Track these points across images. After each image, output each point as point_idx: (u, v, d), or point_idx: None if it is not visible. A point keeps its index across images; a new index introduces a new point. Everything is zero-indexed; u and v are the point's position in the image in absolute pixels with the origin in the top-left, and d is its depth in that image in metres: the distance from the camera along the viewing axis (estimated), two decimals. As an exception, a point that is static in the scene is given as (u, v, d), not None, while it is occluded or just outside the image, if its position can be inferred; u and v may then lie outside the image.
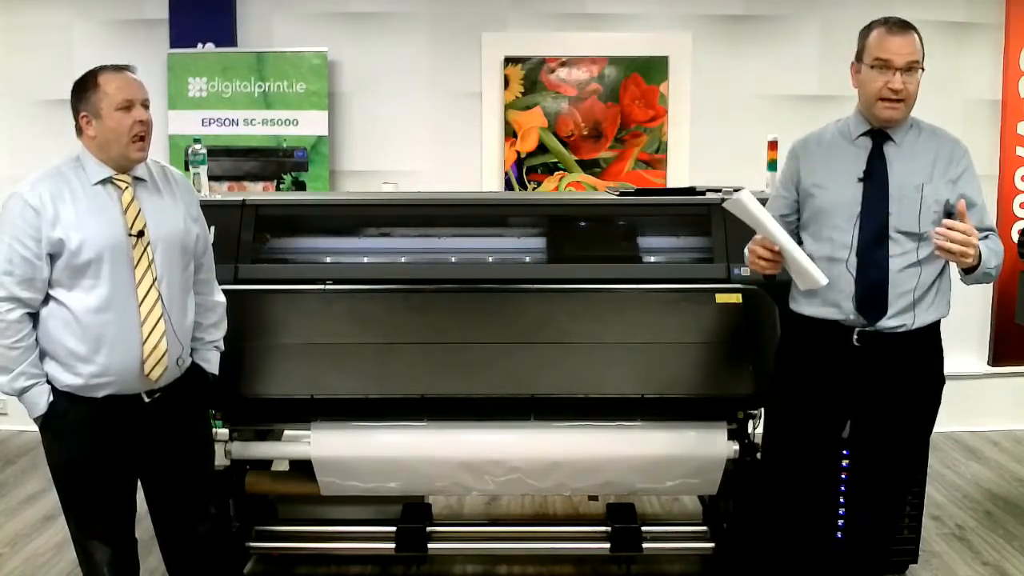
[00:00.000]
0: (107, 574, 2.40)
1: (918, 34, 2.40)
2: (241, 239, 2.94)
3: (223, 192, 4.55)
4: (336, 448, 2.95)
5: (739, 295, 2.86)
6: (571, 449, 2.96)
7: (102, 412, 2.30)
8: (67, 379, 2.28)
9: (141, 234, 2.30)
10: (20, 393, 2.29)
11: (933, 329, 2.49)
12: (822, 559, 2.65)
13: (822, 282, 2.34)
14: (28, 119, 4.88)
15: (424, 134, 4.95)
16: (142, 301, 2.30)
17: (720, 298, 2.85)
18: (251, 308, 2.84)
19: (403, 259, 3.04)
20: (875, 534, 2.58)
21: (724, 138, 4.81)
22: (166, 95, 4.76)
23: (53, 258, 2.24)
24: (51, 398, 2.29)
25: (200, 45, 4.81)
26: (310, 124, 4.81)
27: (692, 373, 2.86)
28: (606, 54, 4.85)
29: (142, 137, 2.31)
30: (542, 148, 4.90)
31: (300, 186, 4.83)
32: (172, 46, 4.82)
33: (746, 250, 2.58)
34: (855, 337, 2.44)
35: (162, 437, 2.42)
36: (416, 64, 4.91)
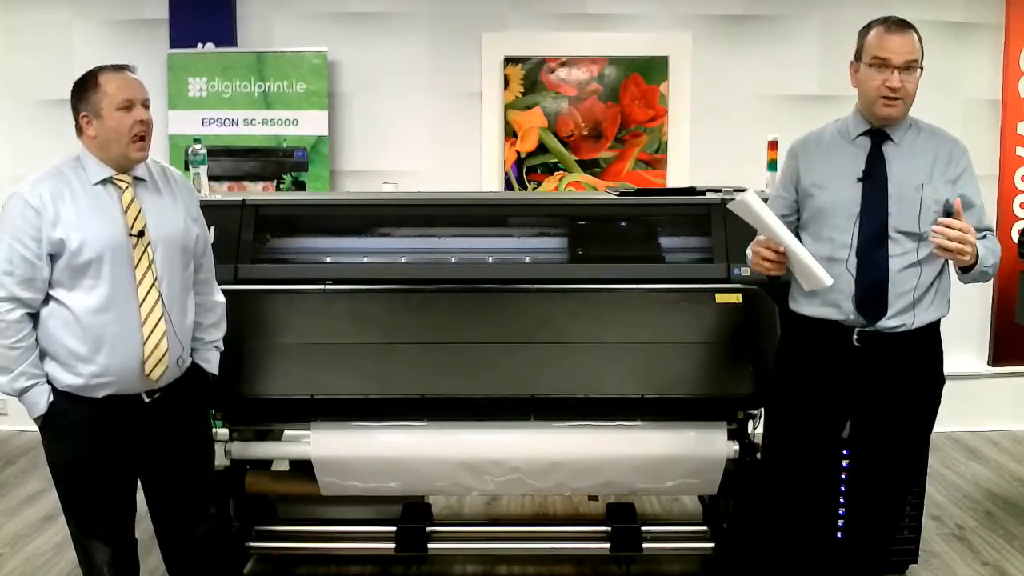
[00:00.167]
0: (107, 574, 2.40)
1: (917, 33, 2.41)
2: (241, 239, 2.94)
3: (223, 192, 4.55)
4: (336, 448, 2.95)
5: (739, 295, 2.86)
6: (571, 449, 2.96)
7: (102, 412, 2.30)
8: (67, 379, 2.28)
9: (141, 234, 2.30)
10: (20, 393, 2.29)
11: (933, 329, 2.49)
12: (822, 559, 2.65)
13: (827, 283, 2.33)
14: (28, 119, 4.88)
15: (424, 134, 4.95)
16: (142, 301, 2.30)
17: (720, 298, 2.85)
18: (251, 308, 2.84)
19: (403, 259, 3.04)
20: (875, 534, 2.58)
21: (724, 138, 4.81)
22: (166, 95, 4.76)
23: (53, 258, 2.24)
24: (51, 398, 2.28)
25: (200, 45, 4.81)
26: (310, 124, 4.81)
27: (692, 373, 2.86)
28: (606, 54, 4.85)
29: (142, 137, 2.31)
30: (542, 148, 4.90)
31: (300, 186, 4.83)
32: (172, 46, 4.82)
33: (749, 251, 2.58)
34: (855, 337, 2.44)
35: (162, 437, 2.42)
36: (416, 64, 4.91)
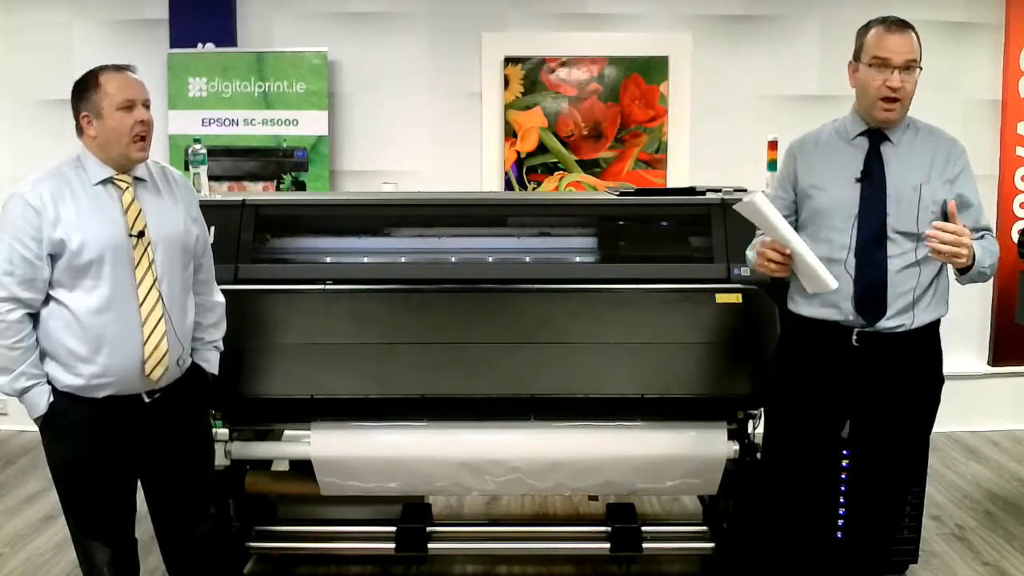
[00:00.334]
0: (107, 574, 2.40)
1: (916, 34, 2.41)
2: (241, 239, 2.94)
3: (223, 192, 4.55)
4: (336, 448, 2.96)
5: (739, 295, 2.86)
6: (571, 449, 2.96)
7: (102, 412, 2.30)
8: (68, 379, 2.28)
9: (142, 234, 2.30)
10: (20, 393, 2.29)
11: (932, 329, 2.49)
12: (822, 559, 2.65)
13: (832, 286, 2.32)
14: (28, 119, 4.88)
15: (424, 134, 4.95)
16: (143, 301, 2.30)
17: (720, 298, 2.85)
18: (251, 308, 2.83)
19: (403, 259, 3.04)
20: (875, 534, 2.58)
21: (724, 138, 4.81)
22: (166, 95, 4.76)
23: (54, 258, 2.24)
24: (51, 398, 2.28)
25: (200, 45, 4.81)
26: (310, 124, 4.81)
27: (692, 373, 2.86)
28: (606, 54, 4.85)
29: (143, 137, 2.31)
30: (542, 148, 4.90)
31: (300, 186, 4.83)
32: (172, 46, 4.82)
33: (749, 252, 2.57)
34: (854, 337, 2.44)
35: (162, 437, 2.42)
36: (416, 64, 4.91)
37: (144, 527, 2.52)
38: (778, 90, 4.88)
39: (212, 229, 2.66)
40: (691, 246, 3.09)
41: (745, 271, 2.83)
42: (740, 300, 2.85)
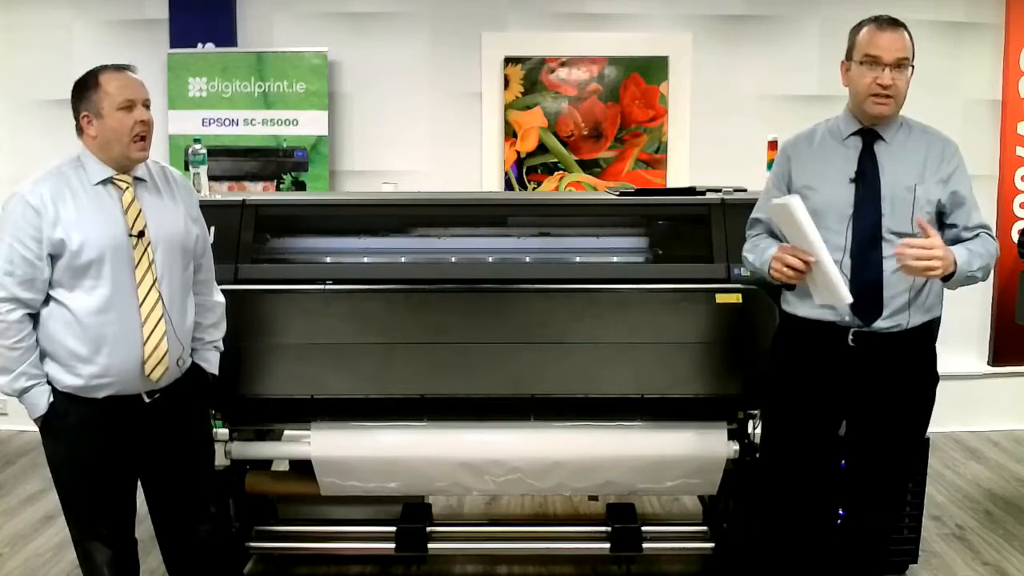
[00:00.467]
0: (107, 574, 2.40)
1: (908, 32, 2.40)
2: (241, 239, 2.94)
3: (223, 192, 4.54)
4: (336, 448, 2.96)
5: (739, 295, 2.85)
6: (571, 449, 2.96)
7: (102, 413, 2.30)
8: (68, 380, 2.28)
9: (141, 234, 2.30)
10: (20, 394, 2.28)
11: (927, 328, 2.48)
12: (821, 558, 2.65)
13: (848, 301, 2.29)
14: (28, 119, 4.89)
15: (424, 134, 4.95)
16: (142, 302, 2.29)
17: (720, 298, 2.85)
18: (251, 308, 2.83)
19: (403, 259, 3.04)
20: (872, 533, 2.57)
21: (724, 138, 4.82)
22: (166, 95, 4.76)
23: (54, 259, 2.24)
24: (51, 399, 2.28)
25: (200, 45, 4.81)
26: (310, 124, 4.81)
27: (692, 373, 2.87)
28: (606, 54, 4.85)
29: (143, 137, 2.30)
30: (542, 148, 4.90)
31: (300, 186, 4.83)
32: (172, 46, 4.82)
33: (751, 255, 2.56)
34: (850, 337, 2.43)
35: (162, 437, 2.42)
36: (416, 64, 4.91)
37: (144, 527, 2.52)
38: (778, 90, 4.88)
39: (212, 229, 2.65)
40: (691, 246, 3.09)
41: (745, 271, 2.83)
42: (740, 300, 2.85)
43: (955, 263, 2.29)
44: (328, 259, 3.04)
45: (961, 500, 4.02)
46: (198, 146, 3.27)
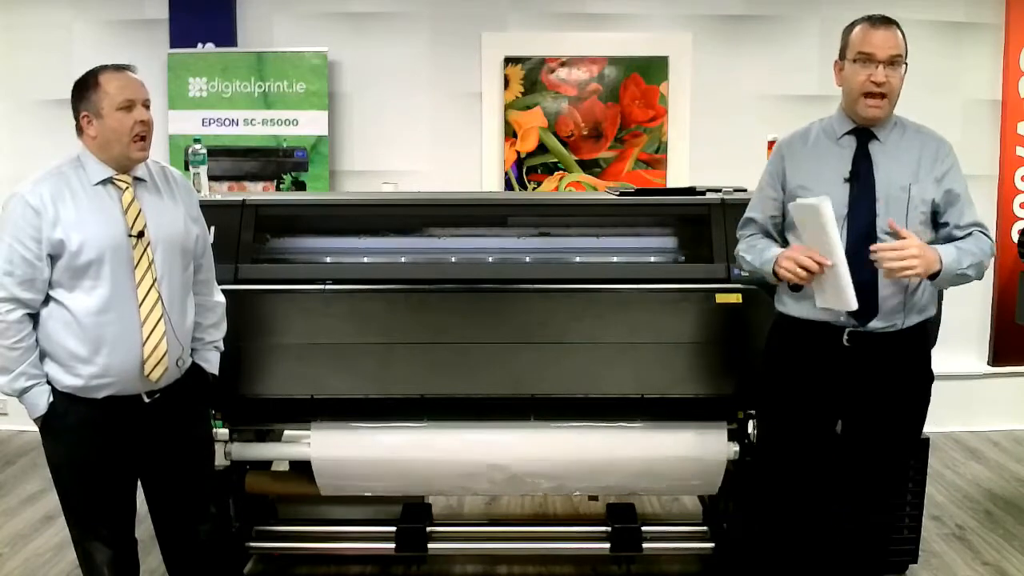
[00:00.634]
0: (107, 575, 2.39)
1: (901, 30, 2.40)
2: (241, 239, 2.94)
3: (223, 192, 4.54)
4: (336, 449, 2.96)
5: (739, 295, 2.85)
6: (571, 449, 2.96)
7: (102, 413, 2.30)
8: (67, 380, 2.28)
9: (141, 235, 2.30)
10: (20, 394, 2.28)
11: (922, 328, 2.47)
12: (818, 558, 2.65)
13: (854, 306, 2.28)
14: (28, 119, 4.89)
15: (424, 134, 4.95)
16: (142, 302, 2.29)
17: (720, 298, 2.85)
18: (251, 308, 2.83)
19: (403, 259, 3.04)
20: (869, 533, 2.57)
21: (724, 138, 4.81)
22: (166, 95, 4.76)
23: (53, 259, 2.24)
24: (51, 399, 2.28)
25: (200, 45, 4.81)
26: (310, 124, 4.82)
27: (692, 373, 2.87)
28: (606, 54, 4.85)
29: (143, 137, 2.30)
30: (542, 148, 4.90)
31: (300, 186, 4.83)
32: (172, 46, 4.82)
33: (747, 255, 2.53)
34: (845, 338, 2.43)
35: (162, 438, 2.41)
36: (416, 64, 4.91)
37: (144, 527, 2.52)
38: (778, 90, 4.88)
39: (212, 229, 2.65)
40: (691, 246, 3.09)
41: (745, 272, 2.82)
42: (740, 300, 2.85)
43: (940, 261, 2.28)
44: (328, 259, 3.04)
45: (961, 500, 4.02)
46: (198, 146, 3.27)
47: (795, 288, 2.48)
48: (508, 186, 4.91)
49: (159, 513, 2.52)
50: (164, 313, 2.32)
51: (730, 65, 4.90)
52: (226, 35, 4.85)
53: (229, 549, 2.97)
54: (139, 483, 2.47)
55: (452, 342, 2.88)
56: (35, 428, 2.34)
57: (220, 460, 2.93)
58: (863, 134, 2.45)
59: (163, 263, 2.34)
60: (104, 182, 2.30)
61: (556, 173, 4.92)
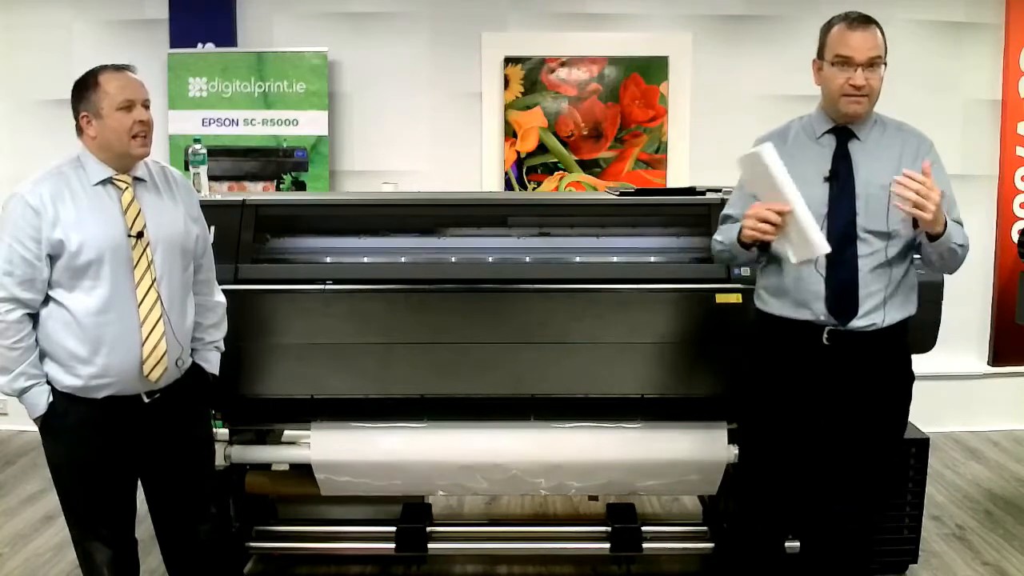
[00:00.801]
0: (107, 575, 2.40)
1: (880, 29, 2.36)
2: (241, 239, 2.94)
3: (223, 192, 4.54)
4: (336, 449, 2.96)
5: (739, 295, 2.85)
6: (571, 449, 2.96)
7: (102, 413, 2.30)
8: (67, 380, 2.28)
9: (141, 235, 2.30)
10: (20, 394, 2.29)
11: (901, 327, 2.45)
12: (808, 558, 2.64)
13: (824, 250, 2.22)
14: (28, 119, 4.88)
15: (424, 134, 4.95)
16: (141, 302, 2.29)
17: (720, 298, 2.85)
18: (251, 308, 2.83)
19: (403, 259, 3.04)
20: (858, 533, 2.55)
21: (724, 138, 4.79)
22: (166, 95, 4.76)
23: (53, 259, 2.24)
24: (51, 399, 2.28)
25: (200, 45, 4.81)
26: (310, 124, 4.81)
27: (692, 373, 2.87)
28: (606, 54, 4.85)
29: (143, 135, 2.30)
30: (542, 148, 4.90)
31: (300, 186, 4.83)
32: (172, 46, 4.82)
33: (720, 235, 2.51)
34: (825, 336, 2.41)
35: (162, 438, 2.42)
36: (416, 64, 4.91)
37: (144, 527, 2.52)
38: (778, 90, 4.87)
39: (212, 229, 2.65)
40: (691, 246, 3.09)
41: (745, 271, 2.82)
42: (740, 300, 2.85)
43: (945, 225, 2.26)
44: (328, 259, 3.04)
45: (961, 500, 4.02)
46: (198, 146, 3.27)
47: (762, 248, 2.40)
48: (508, 186, 4.91)
49: (159, 513, 2.52)
50: (164, 313, 2.32)
51: (730, 65, 4.90)
52: (226, 35, 4.85)
53: (229, 549, 2.97)
54: (139, 483, 2.47)
55: (452, 342, 2.88)
56: (35, 428, 2.34)
57: (220, 461, 2.93)
58: (843, 133, 2.43)
59: (163, 263, 2.34)
60: (104, 182, 2.30)
61: (556, 173, 4.92)
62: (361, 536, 3.23)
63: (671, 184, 4.85)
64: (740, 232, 2.37)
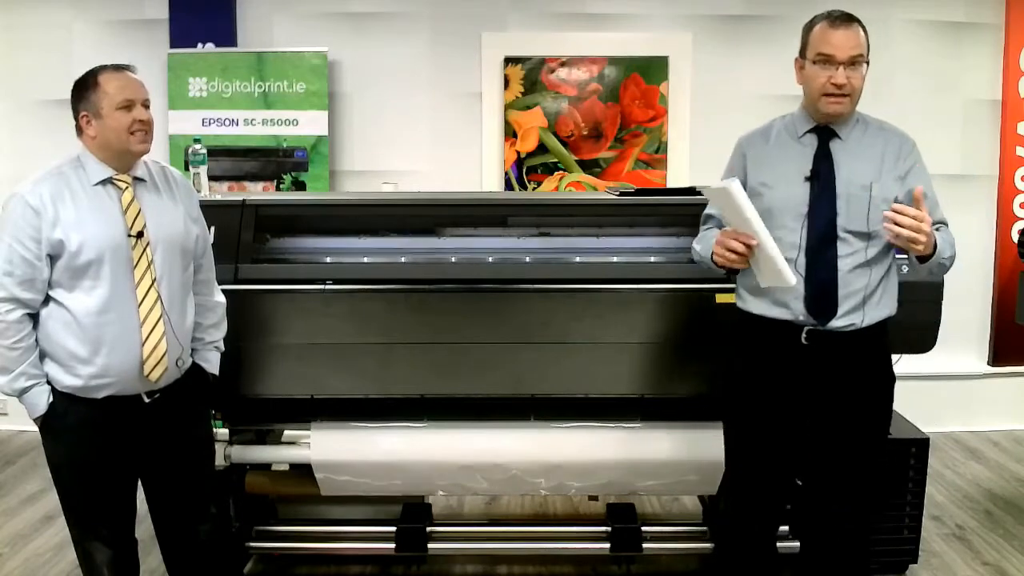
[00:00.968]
0: (107, 575, 2.40)
1: (863, 27, 2.36)
2: (241, 239, 2.94)
3: (223, 192, 4.54)
4: (336, 449, 2.96)
5: (739, 295, 2.85)
6: (571, 449, 2.96)
7: (102, 413, 2.30)
8: (67, 380, 2.28)
9: (141, 235, 2.30)
10: (20, 394, 2.29)
11: (881, 328, 2.44)
12: (813, 556, 2.63)
13: (791, 282, 2.26)
14: (28, 119, 4.89)
15: (424, 134, 4.95)
16: (141, 302, 2.29)
17: (720, 298, 2.85)
18: (251, 308, 2.84)
19: (403, 259, 3.04)
20: (847, 534, 2.53)
21: (724, 138, 4.76)
22: (166, 95, 4.76)
23: (53, 259, 2.24)
24: (51, 399, 2.28)
25: (200, 45, 4.81)
26: (310, 124, 4.81)
27: (692, 373, 2.87)
28: (606, 54, 4.85)
29: (143, 132, 2.30)
30: (542, 148, 4.90)
31: (300, 186, 4.83)
32: (172, 46, 4.82)
33: (698, 244, 2.53)
34: (803, 336, 2.39)
35: (162, 438, 2.42)
36: (416, 64, 4.91)
37: (144, 527, 2.52)
38: (778, 90, 4.84)
39: (212, 229, 2.65)
40: (691, 246, 3.08)
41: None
42: (740, 300, 2.85)
43: (935, 247, 2.25)
44: (328, 259, 3.04)
45: (961, 500, 4.02)
46: (198, 146, 3.27)
47: (731, 273, 2.45)
48: (508, 186, 4.91)
49: (159, 513, 2.52)
50: (163, 313, 2.32)
51: (730, 65, 4.90)
52: (226, 35, 4.85)
53: (229, 549, 2.97)
54: (139, 483, 2.47)
55: (452, 342, 2.88)
56: (35, 428, 2.34)
57: (220, 461, 2.93)
58: (824, 132, 2.42)
59: (162, 263, 2.34)
60: (104, 182, 2.30)
61: (556, 173, 4.92)
62: (361, 536, 3.23)
63: (671, 184, 4.85)
64: (713, 252, 2.40)
